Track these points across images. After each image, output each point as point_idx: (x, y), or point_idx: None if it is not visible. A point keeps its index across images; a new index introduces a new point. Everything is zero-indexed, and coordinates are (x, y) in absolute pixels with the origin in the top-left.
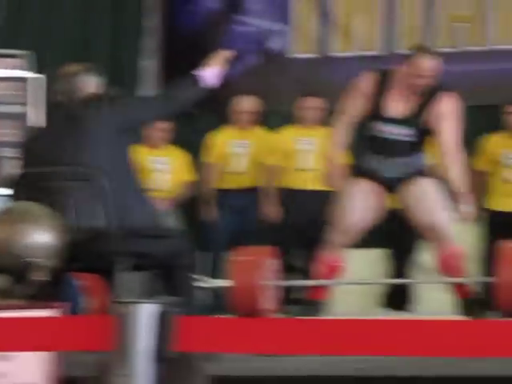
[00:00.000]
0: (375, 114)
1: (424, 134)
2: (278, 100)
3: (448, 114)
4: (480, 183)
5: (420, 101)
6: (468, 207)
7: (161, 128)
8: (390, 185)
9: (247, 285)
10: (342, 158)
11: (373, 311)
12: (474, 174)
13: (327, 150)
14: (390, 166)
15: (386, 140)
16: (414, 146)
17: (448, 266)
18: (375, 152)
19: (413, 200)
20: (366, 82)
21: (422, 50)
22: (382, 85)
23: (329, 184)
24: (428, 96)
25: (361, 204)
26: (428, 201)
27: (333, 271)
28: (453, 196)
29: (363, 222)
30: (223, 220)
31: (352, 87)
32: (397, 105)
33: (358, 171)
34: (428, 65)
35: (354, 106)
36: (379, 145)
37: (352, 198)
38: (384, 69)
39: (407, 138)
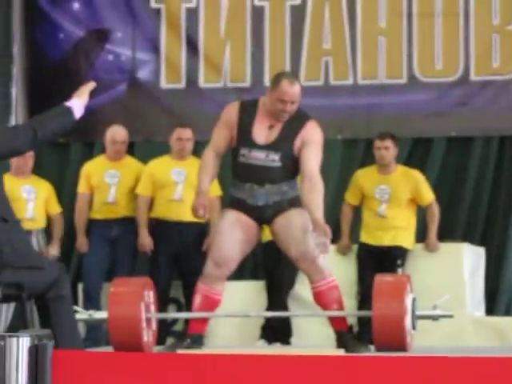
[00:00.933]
0: (242, 141)
1: (291, 160)
2: (148, 130)
3: (312, 142)
4: (351, 216)
5: (286, 127)
6: (322, 238)
7: (26, 155)
8: (261, 214)
9: (125, 317)
10: (212, 188)
11: (251, 344)
12: (346, 208)
13: (196, 180)
14: (259, 194)
15: (253, 166)
16: (282, 173)
17: (324, 299)
18: (244, 180)
19: (284, 231)
20: (229, 112)
21: (283, 75)
22: (247, 113)
23: (197, 215)
24: (293, 123)
25: (232, 236)
26: (299, 232)
27: (210, 304)
28: (312, 225)
29: (235, 254)
30: (97, 251)
31: (220, 117)
32: (262, 131)
33: (230, 201)
34: (289, 89)
35: (219, 136)
36: (247, 172)
37: (223, 231)
38: (250, 99)
39: (274, 164)
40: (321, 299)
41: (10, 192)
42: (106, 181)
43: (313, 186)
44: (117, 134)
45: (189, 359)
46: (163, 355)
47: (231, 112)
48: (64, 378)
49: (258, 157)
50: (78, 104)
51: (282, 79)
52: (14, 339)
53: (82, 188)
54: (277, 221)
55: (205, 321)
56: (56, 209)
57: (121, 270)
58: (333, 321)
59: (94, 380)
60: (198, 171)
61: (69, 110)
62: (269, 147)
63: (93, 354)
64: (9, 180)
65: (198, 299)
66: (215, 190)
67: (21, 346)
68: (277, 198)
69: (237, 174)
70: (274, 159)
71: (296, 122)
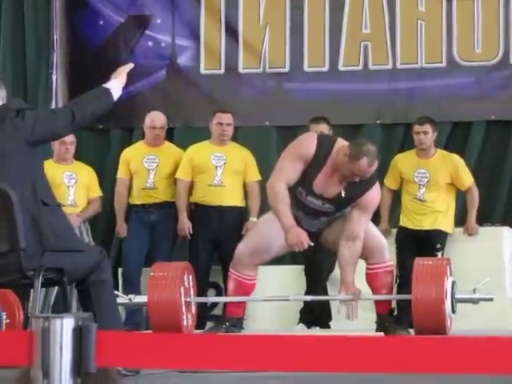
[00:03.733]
0: (302, 182)
1: (346, 208)
2: (188, 116)
3: (367, 208)
4: (391, 200)
5: (349, 190)
6: (348, 296)
7: (67, 142)
8: (312, 233)
9: (165, 301)
10: (250, 174)
11: (291, 328)
12: (386, 192)
13: (237, 166)
14: (313, 223)
15: (307, 205)
16: (337, 212)
17: (376, 282)
18: (299, 208)
19: (332, 233)
20: (307, 148)
21: (365, 152)
22: (321, 155)
23: (300, 248)
24: (357, 187)
25: (276, 237)
26: (343, 221)
27: (243, 289)
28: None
29: (271, 250)
30: (136, 235)
31: (296, 147)
32: (325, 183)
33: None
34: (366, 169)
35: (293, 170)
36: (302, 206)
37: (271, 228)
38: (328, 138)
39: (329, 210)
40: (373, 281)
41: (52, 179)
42: (145, 166)
43: (354, 250)
44: (156, 119)
45: (229, 340)
46: (205, 336)
47: (309, 148)
48: (108, 359)
49: (314, 202)
50: (116, 85)
51: (363, 157)
52: (58, 320)
53: (121, 173)
54: (323, 233)
55: (241, 304)
56: (95, 192)
57: (160, 254)
58: (377, 304)
59: (138, 361)
60: (273, 203)
61: (107, 92)
62: (326, 199)
63: (137, 335)
64: (51, 167)
65: (231, 285)
66: (255, 174)
67: (65, 327)
68: (327, 223)
69: (293, 196)
70: (330, 207)
71: (360, 187)
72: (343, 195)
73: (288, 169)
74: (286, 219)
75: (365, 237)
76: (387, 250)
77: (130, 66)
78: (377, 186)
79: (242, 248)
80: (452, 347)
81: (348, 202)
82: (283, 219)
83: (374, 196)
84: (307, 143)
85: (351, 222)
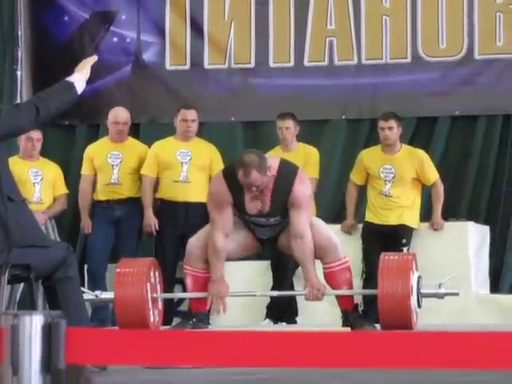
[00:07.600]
0: (241, 211)
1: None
2: (153, 112)
3: (300, 205)
4: (356, 196)
5: (274, 198)
6: (312, 292)
7: (33, 138)
8: (266, 240)
9: (131, 297)
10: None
11: (257, 323)
12: (351, 187)
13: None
14: (263, 231)
15: (255, 223)
16: (282, 223)
17: (334, 280)
18: (250, 225)
19: (287, 237)
20: (221, 193)
21: (240, 162)
22: (235, 188)
23: (216, 310)
24: (279, 191)
25: (239, 239)
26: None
27: (200, 282)
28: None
29: (236, 253)
30: (101, 231)
31: (211, 197)
32: (254, 204)
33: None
34: (245, 180)
35: (222, 218)
36: (252, 223)
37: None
38: (231, 169)
39: (275, 222)
40: (331, 280)
41: (17, 175)
42: (109, 162)
43: (304, 246)
44: (118, 115)
45: (196, 336)
46: (173, 332)
47: (221, 190)
48: (77, 356)
49: (259, 220)
50: (79, 79)
51: (238, 169)
52: (27, 317)
53: (85, 170)
54: (279, 239)
55: (203, 299)
56: (61, 190)
57: (125, 250)
58: (340, 300)
59: (108, 357)
60: (209, 255)
61: (71, 86)
62: (265, 215)
63: (106, 332)
64: (17, 163)
65: (188, 281)
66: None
67: (34, 324)
68: (278, 229)
69: (243, 219)
70: (275, 219)
71: (282, 190)
72: (269, 205)
73: (218, 219)
74: (215, 272)
75: (316, 237)
76: (340, 247)
77: (94, 58)
78: (300, 179)
79: (192, 242)
80: (418, 342)
81: (285, 207)
82: (213, 272)
83: (300, 189)
84: (216, 187)
85: (292, 221)
